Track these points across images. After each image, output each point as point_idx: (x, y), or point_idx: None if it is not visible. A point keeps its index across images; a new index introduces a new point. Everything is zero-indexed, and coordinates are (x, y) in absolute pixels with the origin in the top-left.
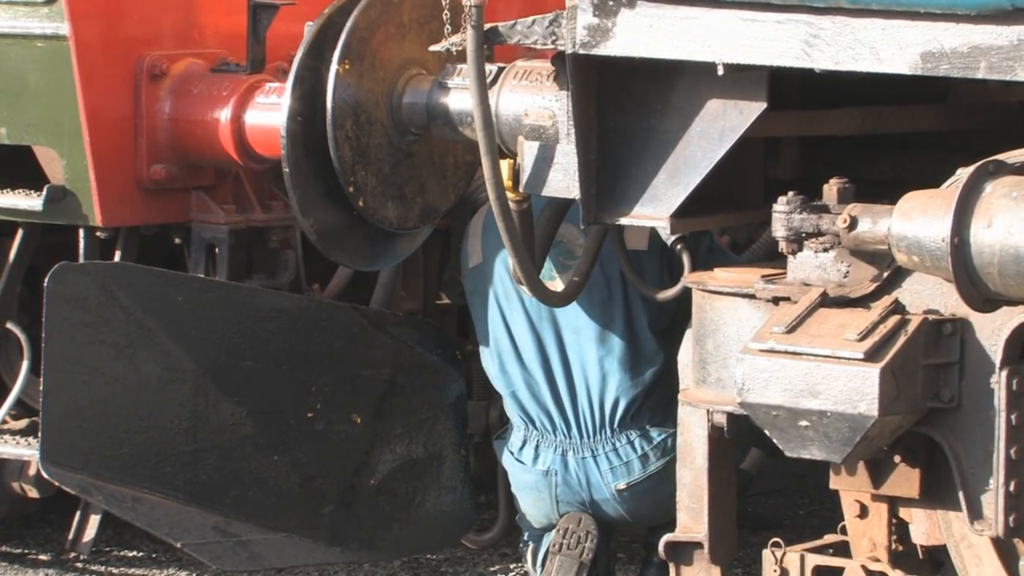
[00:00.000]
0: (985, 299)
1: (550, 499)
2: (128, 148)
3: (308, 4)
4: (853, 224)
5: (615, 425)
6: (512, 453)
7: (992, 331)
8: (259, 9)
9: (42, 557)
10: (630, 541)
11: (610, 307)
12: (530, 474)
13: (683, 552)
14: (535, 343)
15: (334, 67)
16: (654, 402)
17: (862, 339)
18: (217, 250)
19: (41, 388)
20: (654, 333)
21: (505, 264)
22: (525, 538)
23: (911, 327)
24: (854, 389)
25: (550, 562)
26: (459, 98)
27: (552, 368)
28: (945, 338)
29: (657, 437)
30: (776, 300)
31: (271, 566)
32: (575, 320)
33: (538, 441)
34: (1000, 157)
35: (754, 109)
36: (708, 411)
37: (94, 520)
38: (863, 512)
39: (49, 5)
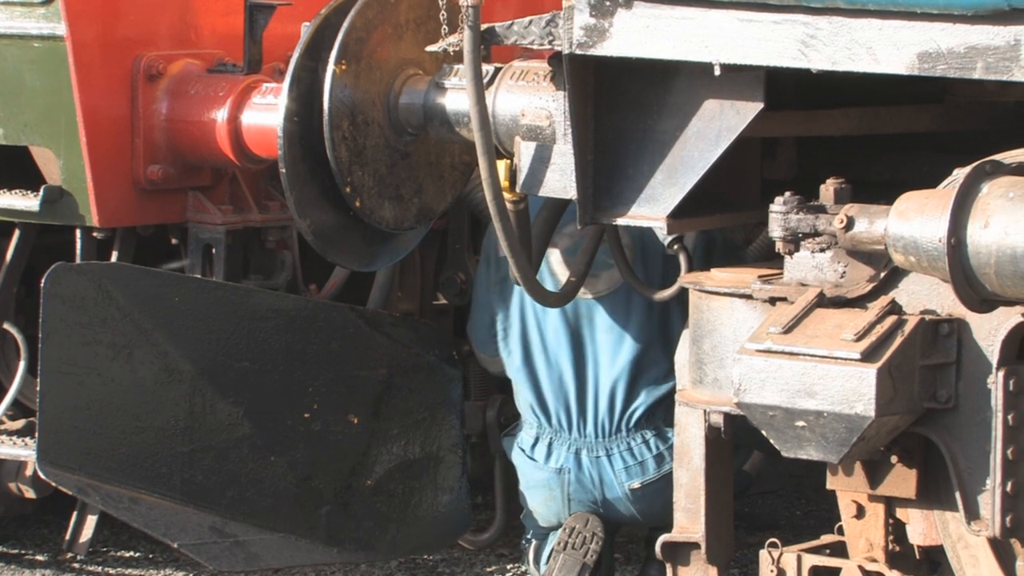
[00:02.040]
0: (982, 299)
1: (562, 497)
2: (125, 148)
3: (305, 4)
4: (850, 224)
5: (631, 424)
6: (523, 450)
7: (989, 331)
8: (255, 9)
9: (39, 558)
10: (626, 541)
11: (649, 308)
12: (542, 472)
13: (680, 552)
14: (569, 338)
15: (331, 67)
16: (670, 403)
17: (859, 339)
18: (214, 250)
19: (38, 389)
20: None
21: (542, 258)
22: (528, 536)
23: (908, 327)
24: (851, 389)
25: (554, 559)
26: (456, 98)
27: (584, 365)
28: (942, 338)
29: (672, 437)
30: (773, 300)
31: (268, 566)
32: (614, 318)
33: (551, 439)
34: (997, 157)
35: (751, 109)
36: (705, 411)
37: (91, 520)
38: (860, 512)
39: (46, 5)
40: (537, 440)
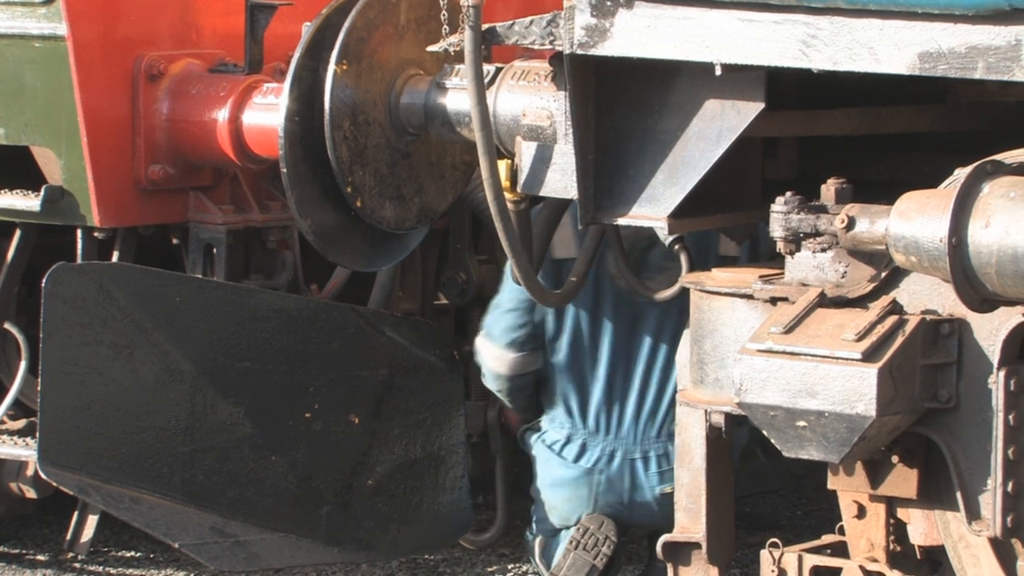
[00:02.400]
0: (983, 299)
1: (588, 497)
2: (126, 148)
3: (306, 4)
4: (851, 224)
5: (672, 429)
6: (550, 448)
7: (990, 331)
8: (257, 9)
9: (40, 557)
10: (627, 541)
11: None
12: (571, 470)
13: (681, 552)
14: (624, 339)
15: (332, 67)
16: None
17: (860, 339)
18: (215, 250)
19: (39, 389)
20: None
21: (603, 260)
22: (534, 531)
23: (909, 327)
24: (852, 389)
25: (564, 557)
26: (457, 98)
27: (635, 366)
28: (943, 338)
29: None
30: (774, 300)
31: (268, 566)
32: (670, 321)
33: (585, 439)
34: (998, 157)
35: (752, 109)
36: (706, 411)
37: (92, 520)
38: (861, 512)
39: (47, 5)
40: (569, 439)
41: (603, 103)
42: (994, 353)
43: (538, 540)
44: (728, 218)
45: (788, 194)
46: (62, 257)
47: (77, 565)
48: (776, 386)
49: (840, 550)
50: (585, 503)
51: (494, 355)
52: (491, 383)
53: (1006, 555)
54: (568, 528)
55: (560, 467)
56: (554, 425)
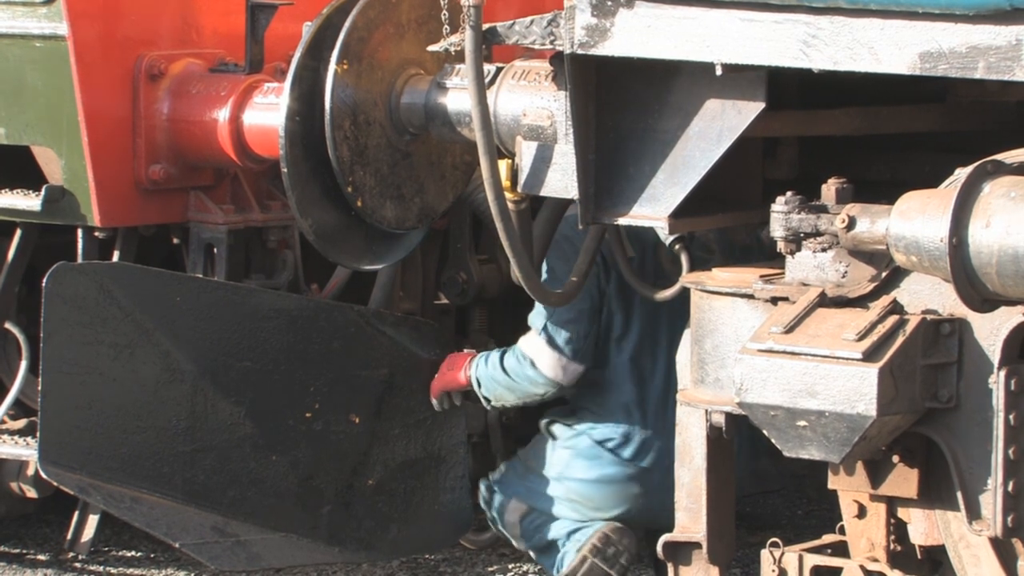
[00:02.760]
0: (983, 299)
1: (640, 494)
2: (126, 148)
3: (306, 4)
4: (851, 224)
5: None
6: (600, 444)
7: (990, 331)
8: (257, 9)
9: (40, 557)
10: None
11: None
12: (626, 468)
13: (682, 552)
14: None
15: (332, 67)
16: None
17: (860, 339)
18: (215, 250)
19: (39, 388)
20: None
21: (656, 261)
22: (504, 487)
23: (909, 327)
24: (852, 389)
25: (580, 562)
26: (457, 98)
27: None
28: (943, 338)
29: None
30: (774, 300)
31: (269, 566)
32: None
33: (645, 438)
34: (998, 157)
35: (752, 109)
36: (706, 411)
37: (92, 520)
38: (861, 512)
39: (47, 5)
40: (627, 438)
41: (603, 103)
42: (995, 353)
43: (513, 504)
44: (728, 218)
45: (788, 194)
46: (63, 257)
47: (78, 565)
48: (776, 386)
49: (841, 550)
50: (632, 500)
51: (557, 364)
52: (534, 387)
53: (1007, 555)
54: (592, 522)
55: (613, 465)
56: (606, 422)
